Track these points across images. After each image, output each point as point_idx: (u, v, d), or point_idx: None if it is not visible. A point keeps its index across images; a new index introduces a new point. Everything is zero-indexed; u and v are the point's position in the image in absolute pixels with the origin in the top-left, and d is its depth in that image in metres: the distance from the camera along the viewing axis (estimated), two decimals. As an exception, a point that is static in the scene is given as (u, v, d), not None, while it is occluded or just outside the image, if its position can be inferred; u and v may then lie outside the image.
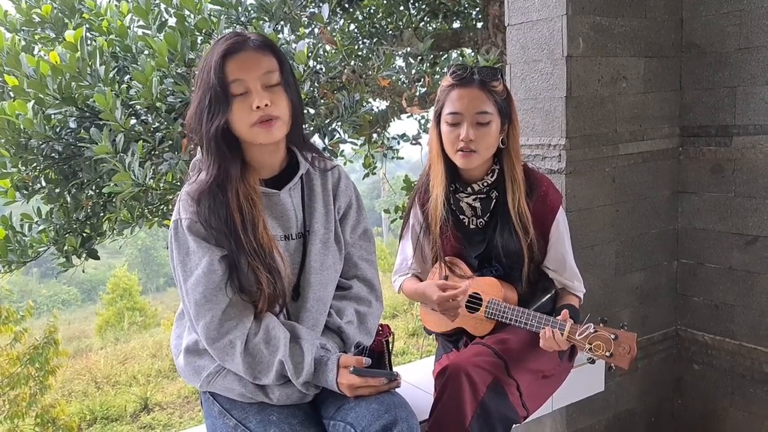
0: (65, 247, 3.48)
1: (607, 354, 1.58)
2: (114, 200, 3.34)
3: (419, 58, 4.55)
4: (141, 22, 3.31)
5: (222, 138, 1.42)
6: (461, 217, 1.90)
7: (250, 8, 3.62)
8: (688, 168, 2.53)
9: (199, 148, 1.52)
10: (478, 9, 5.56)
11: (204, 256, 1.43)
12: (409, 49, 5.15)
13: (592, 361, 1.64)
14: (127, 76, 3.29)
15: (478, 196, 1.86)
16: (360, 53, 5.02)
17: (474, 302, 1.84)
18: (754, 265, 2.39)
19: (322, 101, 3.89)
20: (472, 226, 1.90)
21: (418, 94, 4.42)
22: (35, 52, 3.60)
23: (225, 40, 1.43)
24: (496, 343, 1.73)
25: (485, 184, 1.85)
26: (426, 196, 1.92)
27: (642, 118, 2.40)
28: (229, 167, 1.44)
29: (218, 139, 1.42)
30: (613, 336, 1.58)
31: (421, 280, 2.01)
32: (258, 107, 1.40)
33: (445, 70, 1.84)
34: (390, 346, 1.82)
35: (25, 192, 3.48)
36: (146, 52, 3.24)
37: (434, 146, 1.85)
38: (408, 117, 5.04)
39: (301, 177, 1.58)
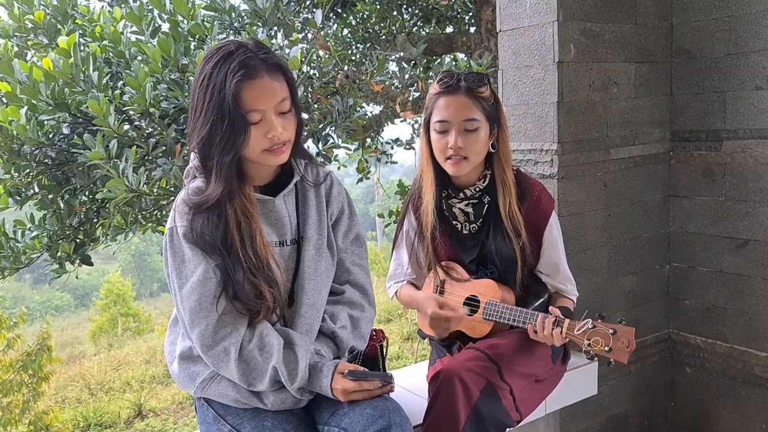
0: (58, 253, 3.48)
1: (606, 349, 1.58)
2: (107, 206, 3.34)
3: (412, 62, 4.56)
4: (134, 28, 3.31)
5: (234, 164, 1.43)
6: (454, 222, 1.91)
7: (243, 14, 3.63)
8: (679, 172, 2.55)
9: (192, 154, 1.52)
10: (471, 14, 5.59)
11: (199, 264, 1.44)
12: (402, 53, 5.16)
13: (591, 357, 1.64)
14: (121, 82, 3.29)
15: (471, 201, 1.87)
16: (353, 58, 5.03)
17: (472, 304, 1.85)
18: (744, 268, 2.40)
19: (316, 106, 3.91)
20: (465, 232, 1.90)
21: (411, 98, 4.43)
22: (28, 58, 3.60)
23: (238, 64, 1.37)
24: (489, 348, 1.74)
25: (477, 189, 1.86)
26: (419, 202, 1.92)
27: (633, 123, 2.42)
28: (232, 185, 1.44)
29: (231, 167, 1.42)
30: (611, 331, 1.58)
31: (416, 287, 2.01)
32: (273, 136, 1.41)
33: (436, 75, 1.84)
34: (384, 351, 1.82)
35: (18, 198, 3.48)
36: (139, 57, 3.25)
37: (424, 153, 1.86)
38: (402, 122, 5.05)
39: (295, 183, 1.59)
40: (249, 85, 1.37)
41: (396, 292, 2.02)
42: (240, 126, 1.38)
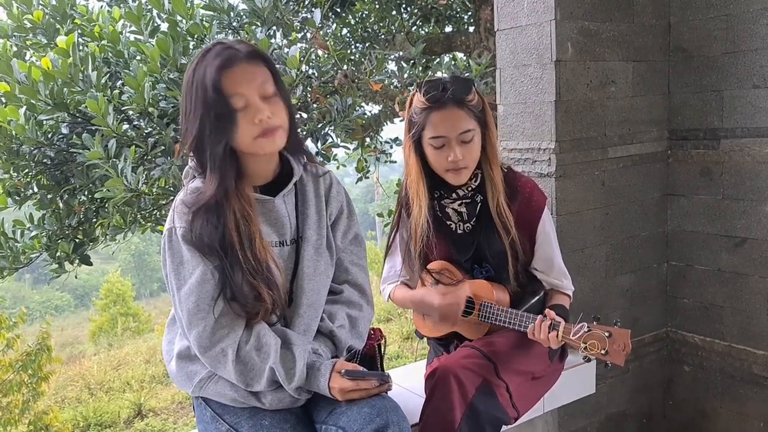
0: (58, 253, 3.48)
1: (602, 352, 1.59)
2: (106, 206, 3.34)
3: (411, 62, 4.56)
4: (133, 28, 3.31)
5: (228, 156, 1.42)
6: (448, 223, 1.91)
7: (242, 13, 3.63)
8: (677, 171, 2.55)
9: (192, 155, 1.52)
10: (469, 13, 5.60)
11: (198, 266, 1.44)
12: (401, 53, 5.17)
13: (588, 360, 1.65)
14: (120, 82, 3.30)
15: (464, 201, 1.87)
16: (352, 57, 5.03)
17: (467, 306, 1.85)
18: (742, 267, 2.41)
19: (315, 106, 3.90)
20: (459, 231, 1.90)
21: (410, 98, 4.42)
22: (27, 58, 3.60)
23: (215, 55, 1.40)
24: (484, 345, 1.74)
25: (469, 188, 1.86)
26: (410, 208, 1.91)
27: (631, 121, 2.42)
28: (228, 183, 1.43)
29: (225, 158, 1.42)
30: (607, 334, 1.59)
31: (410, 288, 2.01)
32: (260, 120, 1.40)
33: (421, 84, 1.81)
34: (382, 350, 1.83)
35: (17, 198, 3.48)
36: (138, 57, 3.25)
37: (415, 166, 1.83)
38: (401, 121, 5.04)
39: (295, 183, 1.59)
40: (228, 72, 1.38)
41: (390, 294, 2.02)
42: (225, 113, 1.38)
